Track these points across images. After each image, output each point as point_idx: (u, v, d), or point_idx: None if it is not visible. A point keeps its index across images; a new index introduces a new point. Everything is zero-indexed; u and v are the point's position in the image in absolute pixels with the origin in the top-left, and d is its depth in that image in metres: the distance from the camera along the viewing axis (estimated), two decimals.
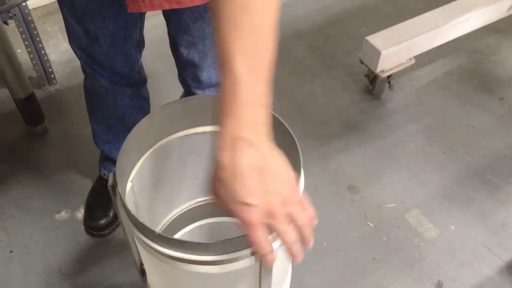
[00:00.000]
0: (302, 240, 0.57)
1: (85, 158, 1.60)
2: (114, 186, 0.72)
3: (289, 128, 0.75)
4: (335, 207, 1.50)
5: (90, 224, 1.42)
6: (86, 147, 1.56)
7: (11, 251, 1.40)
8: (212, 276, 0.67)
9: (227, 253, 0.63)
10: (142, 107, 1.30)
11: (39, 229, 1.44)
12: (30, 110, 1.61)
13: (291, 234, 0.56)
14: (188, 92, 1.26)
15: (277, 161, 0.57)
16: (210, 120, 0.87)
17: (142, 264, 0.94)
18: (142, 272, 0.95)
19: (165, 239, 0.64)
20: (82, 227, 1.44)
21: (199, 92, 1.21)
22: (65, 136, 1.69)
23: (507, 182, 1.57)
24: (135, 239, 0.73)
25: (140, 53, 1.17)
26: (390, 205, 1.51)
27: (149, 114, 0.80)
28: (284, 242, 0.56)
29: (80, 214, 1.47)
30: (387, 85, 1.79)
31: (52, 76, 1.82)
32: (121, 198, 0.70)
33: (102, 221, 1.42)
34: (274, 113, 0.76)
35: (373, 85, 1.76)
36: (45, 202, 1.51)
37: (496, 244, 1.42)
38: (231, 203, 0.54)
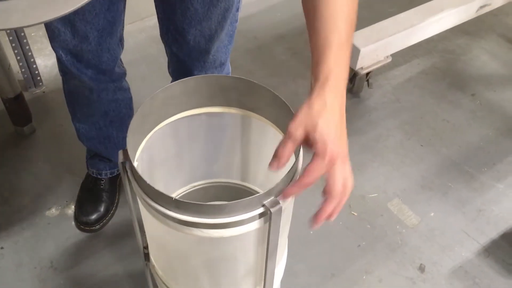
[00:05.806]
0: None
1: (72, 156, 1.62)
2: (124, 162, 0.74)
3: (290, 107, 0.79)
4: (319, 197, 1.55)
5: (81, 219, 1.44)
6: (73, 146, 1.58)
7: (2, 248, 1.40)
8: (223, 241, 0.70)
9: (240, 214, 0.67)
10: (124, 98, 1.31)
11: (30, 226, 1.45)
12: (19, 109, 1.62)
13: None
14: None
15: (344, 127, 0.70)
16: (205, 101, 0.90)
17: (146, 247, 0.96)
18: (146, 256, 0.97)
19: (182, 204, 0.66)
20: (73, 223, 1.46)
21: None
22: (52, 136, 1.71)
23: (481, 172, 1.65)
24: (147, 211, 0.74)
25: (122, 47, 1.19)
26: (373, 195, 1.58)
27: (151, 96, 0.81)
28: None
29: (71, 210, 1.49)
30: (365, 83, 1.87)
31: (38, 78, 1.83)
32: (134, 169, 0.71)
33: (93, 216, 1.44)
34: (279, 95, 0.81)
35: (353, 82, 1.83)
36: (35, 200, 1.52)
37: (474, 229, 1.50)
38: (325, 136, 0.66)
